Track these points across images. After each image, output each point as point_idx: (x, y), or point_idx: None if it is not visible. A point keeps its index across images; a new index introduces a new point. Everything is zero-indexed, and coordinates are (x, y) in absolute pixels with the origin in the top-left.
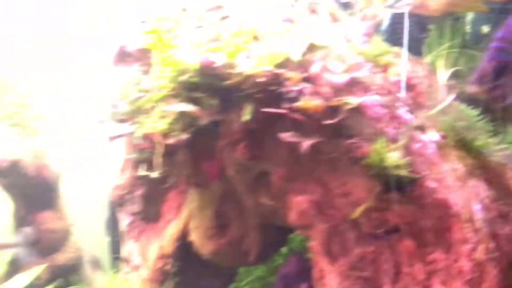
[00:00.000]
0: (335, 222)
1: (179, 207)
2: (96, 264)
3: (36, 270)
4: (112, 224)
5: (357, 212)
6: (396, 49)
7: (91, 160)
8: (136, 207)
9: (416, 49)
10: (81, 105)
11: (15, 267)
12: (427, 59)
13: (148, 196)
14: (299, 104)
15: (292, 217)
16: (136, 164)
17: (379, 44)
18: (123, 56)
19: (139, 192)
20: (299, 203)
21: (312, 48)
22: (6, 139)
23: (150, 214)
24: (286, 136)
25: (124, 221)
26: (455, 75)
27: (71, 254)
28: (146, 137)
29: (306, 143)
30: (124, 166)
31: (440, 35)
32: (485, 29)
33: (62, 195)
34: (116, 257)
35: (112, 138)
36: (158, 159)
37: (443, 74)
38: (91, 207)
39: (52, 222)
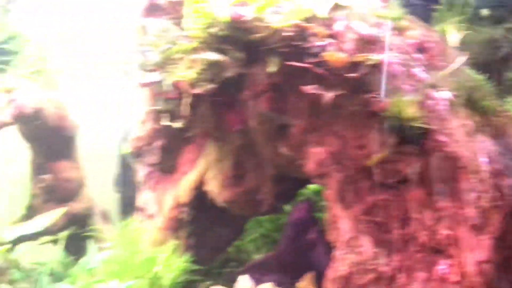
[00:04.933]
0: (350, 172)
1: (195, 160)
2: (106, 216)
3: (55, 214)
4: (122, 180)
5: (373, 160)
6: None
7: (104, 116)
8: (154, 158)
9: (426, 21)
10: (99, 58)
11: (32, 212)
12: (438, 28)
13: (166, 148)
14: (325, 55)
15: (310, 166)
16: (158, 115)
17: (396, 9)
18: (153, 9)
19: (158, 143)
20: (317, 154)
21: (336, 7)
22: (29, 89)
23: (166, 166)
24: (309, 88)
25: (141, 172)
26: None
27: (84, 204)
28: (173, 87)
29: (328, 95)
30: (145, 118)
31: (449, 8)
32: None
33: (78, 146)
34: (126, 212)
35: (143, 85)
36: (185, 108)
37: (454, 39)
38: (101, 161)
39: (69, 171)
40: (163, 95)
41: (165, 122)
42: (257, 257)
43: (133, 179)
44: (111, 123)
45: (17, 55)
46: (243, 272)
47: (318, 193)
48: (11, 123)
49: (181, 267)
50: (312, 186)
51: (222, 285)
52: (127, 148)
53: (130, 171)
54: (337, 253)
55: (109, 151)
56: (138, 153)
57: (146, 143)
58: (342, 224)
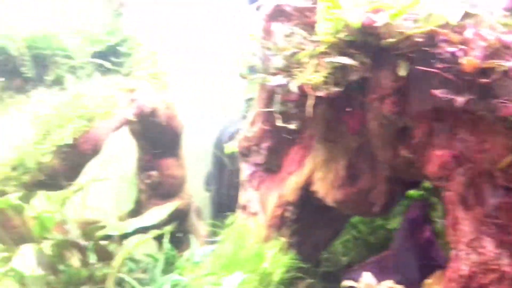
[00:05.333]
0: (472, 175)
1: (301, 160)
2: (199, 214)
3: (168, 208)
4: (214, 178)
5: (502, 164)
6: None
7: (204, 116)
8: (260, 158)
9: None
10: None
11: (138, 206)
12: None
13: (273, 149)
14: (461, 60)
15: (432, 169)
16: (269, 116)
17: None
18: (277, 15)
19: (265, 144)
20: (440, 157)
21: (466, 15)
22: (145, 90)
23: (271, 166)
24: (439, 92)
25: (246, 171)
26: None
27: (185, 200)
28: (297, 90)
29: (461, 99)
30: (254, 120)
31: None
32: None
33: (183, 144)
34: (219, 211)
35: (273, 87)
36: (308, 110)
37: None
38: (194, 159)
39: (174, 169)
40: (283, 98)
41: (280, 123)
42: (345, 259)
43: (227, 178)
44: (205, 123)
45: (129, 57)
46: (356, 271)
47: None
48: (133, 122)
49: (287, 264)
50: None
51: (320, 283)
52: (232, 148)
53: (224, 171)
54: (458, 253)
55: (201, 150)
56: (244, 153)
57: (254, 143)
58: (463, 225)
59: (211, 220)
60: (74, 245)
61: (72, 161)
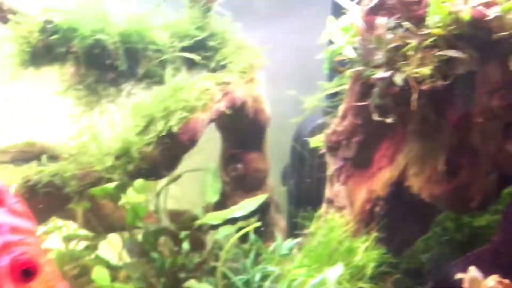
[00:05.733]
0: None
1: (393, 155)
2: (278, 207)
3: (258, 200)
4: (292, 172)
5: None
6: None
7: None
8: (349, 152)
9: None
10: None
11: (224, 198)
12: None
13: (363, 143)
14: None
15: None
16: (361, 110)
17: None
18: (378, 9)
19: (356, 138)
20: None
21: None
22: (236, 83)
23: (360, 161)
24: None
25: (333, 165)
26: None
27: (268, 194)
28: (401, 83)
29: None
30: (345, 113)
31: None
32: None
33: (267, 138)
34: (298, 205)
35: (370, 80)
36: (413, 104)
37: None
38: (270, 154)
39: (258, 162)
40: (383, 91)
41: (376, 117)
42: (424, 256)
43: (306, 172)
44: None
45: (217, 52)
46: (456, 266)
47: None
48: (226, 114)
49: (378, 259)
50: None
51: (405, 279)
52: (317, 142)
53: (303, 165)
54: None
55: (276, 145)
56: (332, 147)
57: (344, 137)
58: None
59: (288, 214)
60: (168, 234)
61: (172, 152)
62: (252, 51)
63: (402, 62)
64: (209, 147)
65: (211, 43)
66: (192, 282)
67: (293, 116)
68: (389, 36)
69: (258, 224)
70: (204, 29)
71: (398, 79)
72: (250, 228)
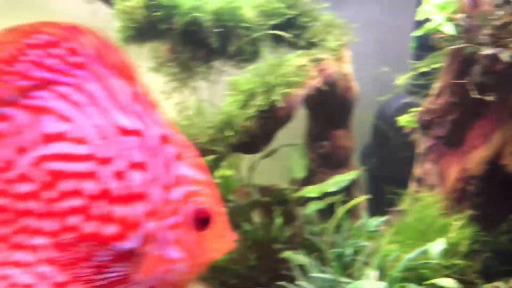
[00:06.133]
0: None
1: (488, 134)
2: (359, 186)
3: (350, 176)
4: (374, 151)
5: None
6: None
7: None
8: (442, 131)
9: None
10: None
11: (310, 174)
12: None
13: (457, 122)
14: None
15: None
16: (456, 89)
17: None
18: None
19: (450, 117)
20: None
21: None
22: (328, 61)
23: (453, 139)
24: None
25: (424, 144)
26: None
27: (353, 171)
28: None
29: None
30: (440, 91)
31: None
32: None
33: (354, 116)
34: (379, 183)
35: (482, 56)
36: None
37: None
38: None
39: (344, 140)
40: (486, 68)
41: (475, 95)
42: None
43: (390, 151)
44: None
45: (306, 30)
46: None
47: None
48: (316, 91)
49: (471, 237)
50: None
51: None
52: (406, 121)
53: (386, 144)
54: None
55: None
56: (425, 126)
57: (437, 116)
58: None
59: (369, 193)
60: (261, 207)
61: (269, 126)
62: (341, 29)
63: (509, 39)
64: (291, 125)
65: (300, 21)
66: (288, 253)
67: (373, 95)
68: (497, 13)
69: (365, 197)
70: (294, 7)
71: (505, 56)
72: (358, 201)
